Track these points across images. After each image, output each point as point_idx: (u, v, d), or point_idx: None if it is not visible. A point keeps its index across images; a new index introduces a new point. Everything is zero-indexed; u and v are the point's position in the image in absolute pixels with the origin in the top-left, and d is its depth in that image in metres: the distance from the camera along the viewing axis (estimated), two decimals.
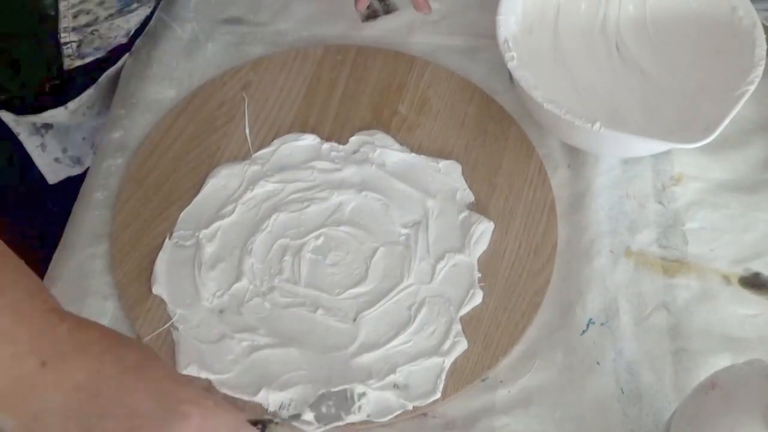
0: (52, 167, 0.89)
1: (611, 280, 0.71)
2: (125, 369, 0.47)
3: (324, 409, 0.63)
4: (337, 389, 0.64)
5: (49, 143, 0.87)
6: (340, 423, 0.63)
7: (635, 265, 0.72)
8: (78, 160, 0.91)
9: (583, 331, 0.69)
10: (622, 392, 0.66)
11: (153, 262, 0.71)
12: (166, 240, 0.72)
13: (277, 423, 0.61)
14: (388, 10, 0.90)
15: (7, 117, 0.83)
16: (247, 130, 0.79)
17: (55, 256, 0.74)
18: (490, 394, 0.66)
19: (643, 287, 0.71)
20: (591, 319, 0.69)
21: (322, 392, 0.64)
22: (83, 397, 0.46)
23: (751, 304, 0.71)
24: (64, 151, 0.89)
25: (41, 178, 0.89)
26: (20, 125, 0.84)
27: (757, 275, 0.72)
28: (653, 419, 0.65)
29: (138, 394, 0.46)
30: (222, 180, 0.76)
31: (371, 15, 0.90)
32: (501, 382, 0.67)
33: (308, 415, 0.63)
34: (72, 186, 0.83)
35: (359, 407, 0.63)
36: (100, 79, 0.85)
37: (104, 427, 0.45)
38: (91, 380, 0.46)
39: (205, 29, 0.88)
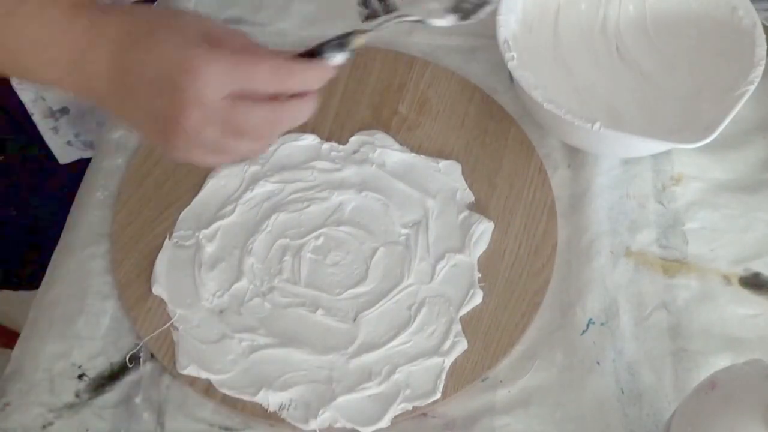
0: (64, 149, 0.90)
1: (611, 280, 0.71)
2: (137, 48, 0.52)
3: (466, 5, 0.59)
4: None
5: (62, 127, 0.87)
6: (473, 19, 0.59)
7: (635, 265, 0.72)
8: (91, 145, 0.91)
9: (583, 331, 0.69)
10: (622, 392, 0.66)
11: (153, 262, 0.71)
12: (166, 240, 0.72)
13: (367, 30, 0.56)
14: (388, 10, 0.90)
15: (26, 96, 0.83)
16: None
17: (54, 256, 0.74)
18: (490, 394, 0.66)
19: (643, 287, 0.71)
20: (591, 319, 0.69)
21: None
22: (122, 46, 0.53)
23: (751, 304, 0.71)
24: (77, 135, 0.90)
25: (52, 158, 0.90)
26: (36, 107, 0.84)
27: (757, 275, 0.72)
28: (653, 419, 0.65)
29: (144, 71, 0.52)
30: (222, 180, 0.76)
31: (371, 15, 0.90)
32: (501, 382, 0.67)
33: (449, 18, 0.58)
34: (81, 167, 0.83)
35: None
36: None
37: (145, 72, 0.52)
38: (141, 24, 0.53)
39: None
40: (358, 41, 0.55)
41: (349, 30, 0.56)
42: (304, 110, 0.55)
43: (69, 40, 0.53)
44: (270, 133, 0.55)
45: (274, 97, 0.53)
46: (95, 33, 0.53)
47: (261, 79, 0.52)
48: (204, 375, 0.66)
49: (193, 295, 0.70)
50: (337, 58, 0.55)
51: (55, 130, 0.87)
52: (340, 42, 0.55)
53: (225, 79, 0.51)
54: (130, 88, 0.53)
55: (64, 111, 0.86)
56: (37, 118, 0.85)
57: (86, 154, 0.91)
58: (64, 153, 0.90)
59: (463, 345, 0.67)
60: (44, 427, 0.65)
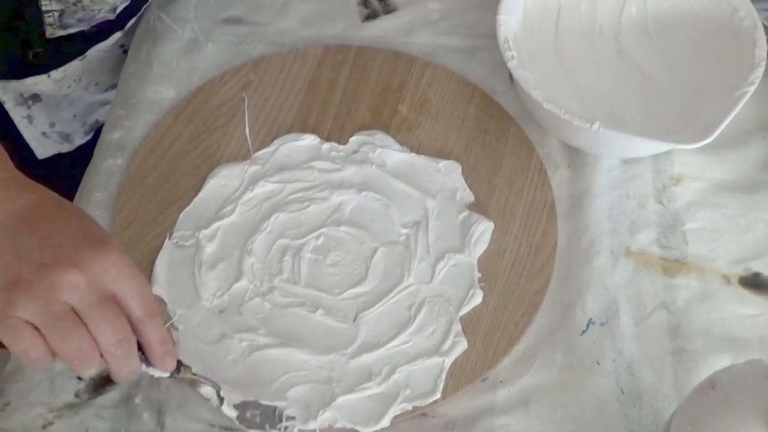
0: (40, 141, 0.89)
1: (611, 280, 0.71)
2: (62, 209, 0.53)
3: (248, 415, 0.64)
4: (265, 404, 0.64)
5: (36, 116, 0.87)
6: None
7: (635, 265, 0.72)
8: (67, 137, 0.91)
9: (583, 331, 0.69)
10: (622, 392, 0.66)
11: (153, 262, 0.71)
12: (166, 240, 0.72)
13: (195, 376, 0.60)
14: (388, 10, 0.90)
15: None
16: (247, 130, 0.79)
17: None
18: (490, 394, 0.66)
19: (643, 287, 0.71)
20: (591, 319, 0.69)
21: (250, 400, 0.64)
22: (16, 219, 0.52)
23: (751, 304, 0.71)
24: (52, 125, 0.89)
25: (31, 152, 0.89)
26: (7, 93, 0.84)
27: (757, 275, 0.72)
28: (653, 419, 0.65)
29: (66, 225, 0.52)
30: (222, 180, 0.76)
31: (371, 15, 0.90)
32: (501, 382, 0.67)
33: (230, 411, 0.63)
34: (62, 164, 0.83)
35: (285, 428, 0.63)
36: (88, 53, 0.85)
37: (28, 241, 0.50)
38: (29, 210, 0.52)
39: (205, 29, 0.88)
40: (187, 375, 0.59)
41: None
42: (133, 365, 0.54)
43: None
44: (105, 339, 0.51)
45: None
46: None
47: (141, 299, 0.52)
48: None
49: (193, 295, 0.70)
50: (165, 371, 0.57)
51: (29, 119, 0.87)
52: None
53: (124, 272, 0.51)
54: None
55: (35, 98, 0.86)
56: (9, 106, 0.85)
57: (63, 148, 0.90)
58: (40, 146, 0.89)
59: (463, 345, 0.67)
60: (44, 427, 0.65)
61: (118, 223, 0.74)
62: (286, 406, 0.64)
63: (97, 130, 0.92)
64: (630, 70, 0.83)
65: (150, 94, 0.83)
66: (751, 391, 0.53)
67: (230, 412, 0.64)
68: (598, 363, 0.67)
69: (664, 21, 0.82)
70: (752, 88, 0.71)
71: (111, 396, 0.66)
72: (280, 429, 0.64)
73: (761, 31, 0.75)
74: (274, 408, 0.64)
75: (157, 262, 0.71)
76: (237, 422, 0.63)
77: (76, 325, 0.50)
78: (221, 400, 0.63)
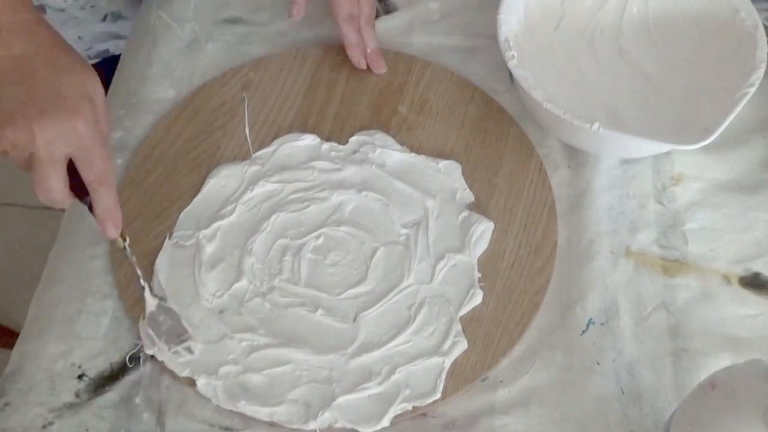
0: None
1: (611, 280, 0.71)
2: (50, 64, 0.61)
3: (161, 319, 0.67)
4: (182, 324, 0.67)
5: None
6: (154, 341, 0.66)
7: (635, 265, 0.72)
8: None
9: (583, 331, 0.69)
10: (622, 392, 0.66)
11: (153, 262, 0.71)
12: (166, 240, 0.72)
13: (125, 249, 0.66)
14: (388, 10, 0.90)
15: None
16: (247, 130, 0.79)
17: (53, 256, 0.74)
18: (490, 394, 0.66)
19: (643, 287, 0.71)
20: (591, 319, 0.69)
21: (173, 309, 0.67)
22: (8, 66, 0.60)
23: (751, 304, 0.71)
24: None
25: None
26: None
27: (757, 275, 0.72)
28: (653, 419, 0.65)
29: (44, 85, 0.60)
30: (222, 180, 0.76)
31: None
32: (501, 382, 0.67)
33: (151, 302, 0.67)
34: None
35: (176, 351, 0.65)
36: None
37: (10, 92, 0.60)
38: (22, 58, 0.60)
39: (205, 29, 0.88)
40: (120, 243, 0.66)
41: None
42: (62, 200, 0.62)
43: None
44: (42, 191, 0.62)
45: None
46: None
47: (95, 166, 0.62)
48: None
49: (193, 295, 0.70)
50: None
51: None
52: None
53: (86, 139, 0.61)
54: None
55: (41, 9, 0.86)
56: None
57: None
58: None
59: (462, 345, 0.67)
60: (44, 427, 0.65)
61: None
62: (194, 339, 0.66)
63: (103, 60, 0.97)
64: (631, 70, 0.83)
65: (150, 94, 0.83)
66: (751, 391, 0.53)
67: (151, 302, 0.67)
68: (598, 363, 0.67)
69: (666, 22, 0.82)
70: (752, 90, 0.71)
71: (111, 396, 0.66)
72: (170, 348, 0.66)
73: (762, 32, 0.75)
74: (184, 331, 0.66)
75: (157, 262, 0.71)
76: (147, 317, 0.67)
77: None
78: (142, 288, 0.67)
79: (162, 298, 0.67)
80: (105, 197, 0.63)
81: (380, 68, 0.83)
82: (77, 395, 0.66)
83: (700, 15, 0.80)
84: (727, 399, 0.54)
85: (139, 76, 0.85)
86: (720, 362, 0.66)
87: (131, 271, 0.68)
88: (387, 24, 0.89)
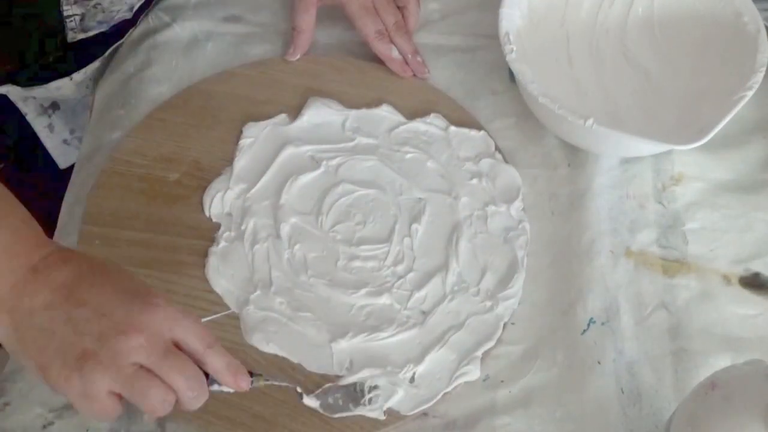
0: (61, 150, 0.90)
1: (611, 280, 0.71)
2: (101, 273, 0.55)
3: (330, 401, 0.63)
4: (345, 384, 0.64)
5: (56, 124, 0.88)
6: (349, 413, 0.63)
7: (635, 265, 0.72)
8: None
9: (584, 331, 0.69)
10: (622, 392, 0.66)
11: None
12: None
13: (268, 381, 0.60)
14: None
15: (15, 94, 0.83)
16: None
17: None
18: (491, 394, 0.66)
19: (643, 287, 0.71)
20: (592, 319, 0.69)
21: (329, 385, 0.64)
22: (64, 293, 0.54)
23: (751, 304, 0.71)
24: (72, 132, 0.90)
25: (51, 164, 0.90)
26: (27, 105, 0.84)
27: (757, 275, 0.72)
28: (653, 419, 0.65)
29: (110, 290, 0.54)
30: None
31: None
32: (502, 381, 0.67)
33: (312, 402, 0.63)
34: None
35: (370, 399, 0.63)
36: (107, 53, 0.86)
37: (83, 315, 0.53)
38: (71, 281, 0.54)
39: (205, 29, 0.88)
40: (261, 383, 0.59)
41: None
42: (204, 398, 0.56)
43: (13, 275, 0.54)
44: (181, 384, 0.54)
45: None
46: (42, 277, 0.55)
47: (198, 336, 0.55)
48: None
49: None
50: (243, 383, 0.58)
51: (50, 128, 0.87)
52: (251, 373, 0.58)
53: (176, 322, 0.54)
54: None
55: (54, 106, 0.86)
56: (31, 117, 0.85)
57: None
58: (61, 155, 0.90)
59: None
60: (44, 427, 0.65)
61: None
62: (366, 380, 0.64)
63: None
64: (632, 70, 0.83)
65: (149, 94, 0.83)
66: (751, 391, 0.53)
67: (312, 403, 0.63)
68: (599, 362, 0.67)
69: (669, 23, 0.82)
70: (750, 93, 0.72)
71: None
72: (365, 403, 0.63)
73: (764, 37, 0.75)
74: (354, 385, 0.64)
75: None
76: (321, 410, 0.63)
77: (151, 380, 0.52)
78: (300, 395, 0.63)
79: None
80: (222, 355, 0.56)
81: (423, 73, 0.84)
82: None
83: (704, 17, 0.80)
84: (727, 399, 0.54)
85: (139, 75, 0.85)
86: (720, 362, 0.66)
87: None
88: None
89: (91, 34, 0.81)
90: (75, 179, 0.79)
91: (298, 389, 0.63)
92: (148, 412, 0.53)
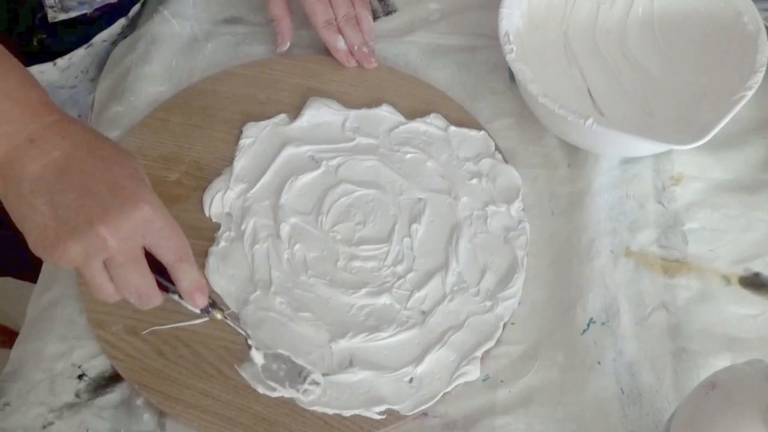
0: None
1: (611, 280, 0.71)
2: (95, 159, 0.56)
3: (274, 366, 0.64)
4: (296, 362, 0.65)
5: None
6: (277, 388, 0.64)
7: (635, 265, 0.72)
8: None
9: (584, 331, 0.69)
10: (622, 392, 0.66)
11: None
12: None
13: (225, 318, 0.62)
14: (388, 11, 0.90)
15: None
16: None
17: None
18: (491, 394, 0.66)
19: (643, 287, 0.71)
20: (592, 319, 0.69)
21: (283, 353, 0.65)
22: (54, 173, 0.55)
23: (751, 304, 0.71)
24: None
25: None
26: None
27: (757, 275, 0.72)
28: (653, 419, 0.65)
29: (98, 181, 0.55)
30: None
31: (371, 15, 0.90)
32: (502, 381, 0.67)
33: (258, 357, 0.64)
34: None
35: (305, 390, 0.64)
36: (94, 41, 0.85)
37: (63, 199, 0.54)
38: (64, 159, 0.55)
39: (204, 29, 0.88)
40: (217, 315, 0.61)
41: None
42: (156, 300, 0.59)
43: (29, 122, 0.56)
44: (129, 293, 0.58)
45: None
46: (57, 128, 0.56)
47: (173, 246, 0.57)
48: None
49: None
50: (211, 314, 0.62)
51: None
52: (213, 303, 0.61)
53: (156, 227, 0.56)
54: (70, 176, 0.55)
55: None
56: None
57: None
58: None
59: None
60: (44, 427, 0.65)
61: None
62: (314, 371, 0.65)
63: None
64: (632, 69, 0.83)
65: (149, 94, 0.83)
66: (751, 391, 0.53)
67: (258, 358, 0.64)
68: (599, 362, 0.67)
69: (669, 23, 0.82)
70: (750, 93, 0.71)
71: (111, 396, 0.66)
72: (299, 390, 0.64)
73: (764, 37, 0.75)
74: (302, 369, 0.65)
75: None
76: (260, 370, 0.64)
77: (106, 282, 0.56)
78: (249, 346, 0.64)
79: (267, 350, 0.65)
80: (188, 271, 0.58)
81: (370, 64, 0.84)
82: (77, 395, 0.66)
83: (704, 17, 0.80)
84: (727, 399, 0.54)
85: (138, 74, 0.84)
86: (720, 362, 0.66)
87: None
88: (387, 25, 0.89)
89: (72, 14, 0.80)
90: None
91: (249, 341, 0.64)
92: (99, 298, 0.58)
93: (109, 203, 0.54)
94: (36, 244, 0.55)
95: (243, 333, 0.64)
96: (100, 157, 0.56)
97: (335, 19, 0.83)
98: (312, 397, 0.64)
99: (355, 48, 0.83)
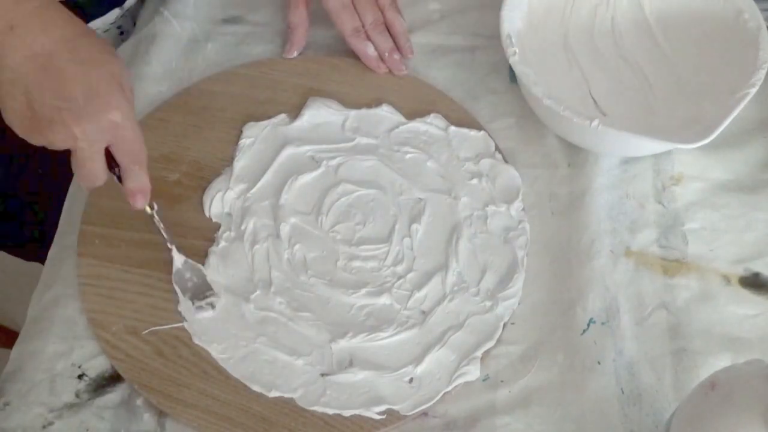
0: None
1: (611, 280, 0.71)
2: (74, 60, 0.59)
3: (187, 275, 0.69)
4: (206, 281, 0.69)
5: None
6: (179, 296, 0.68)
7: (635, 265, 0.72)
8: None
9: (584, 331, 0.69)
10: (622, 392, 0.66)
11: None
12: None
13: (153, 215, 0.68)
14: None
15: None
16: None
17: (52, 254, 0.74)
18: (491, 394, 0.66)
19: (643, 287, 0.71)
20: (592, 319, 0.69)
21: (200, 267, 0.70)
22: (32, 67, 0.58)
23: (751, 304, 0.71)
24: None
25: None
26: None
27: (757, 275, 0.72)
28: (653, 419, 0.65)
29: (73, 83, 0.58)
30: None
31: None
32: (502, 381, 0.67)
33: (178, 260, 0.70)
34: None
35: (198, 306, 0.68)
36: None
37: (40, 97, 0.58)
38: (43, 57, 0.58)
39: (204, 29, 0.88)
40: (148, 209, 0.68)
41: None
42: (97, 180, 0.64)
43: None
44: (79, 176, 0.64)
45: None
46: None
47: (132, 151, 0.63)
48: None
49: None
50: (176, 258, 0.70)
51: None
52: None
53: (123, 132, 0.62)
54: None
55: None
56: None
57: None
58: None
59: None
60: (44, 427, 0.65)
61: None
62: (219, 297, 0.69)
63: None
64: (633, 70, 0.83)
65: (149, 94, 0.83)
66: (751, 391, 0.53)
67: (178, 260, 0.69)
68: (599, 362, 0.67)
69: (669, 21, 0.82)
70: (753, 90, 0.71)
71: (111, 396, 0.66)
72: (194, 303, 0.68)
73: (765, 33, 0.75)
74: (209, 288, 0.68)
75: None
76: (173, 272, 0.69)
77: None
78: (170, 249, 0.69)
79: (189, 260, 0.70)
80: (138, 175, 0.64)
81: (400, 71, 0.84)
82: (77, 395, 0.66)
83: (704, 15, 0.80)
84: (727, 399, 0.54)
85: (138, 74, 0.84)
86: (720, 362, 0.66)
87: None
88: None
89: None
90: (76, 179, 0.79)
91: (169, 245, 0.69)
92: None
93: (82, 109, 0.59)
94: (13, 125, 0.60)
95: (164, 234, 0.68)
96: (79, 60, 0.59)
97: (363, 26, 0.83)
98: (203, 315, 0.67)
99: (386, 55, 0.83)
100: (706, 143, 0.69)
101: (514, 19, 0.78)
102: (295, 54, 0.85)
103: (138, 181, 0.65)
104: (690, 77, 0.80)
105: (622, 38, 0.84)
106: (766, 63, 0.73)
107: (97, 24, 0.86)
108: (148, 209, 0.68)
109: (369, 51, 0.83)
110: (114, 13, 0.86)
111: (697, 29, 0.80)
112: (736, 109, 0.70)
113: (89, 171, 0.63)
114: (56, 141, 0.60)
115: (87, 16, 0.85)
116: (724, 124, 0.70)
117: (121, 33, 0.89)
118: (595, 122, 0.70)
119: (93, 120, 0.59)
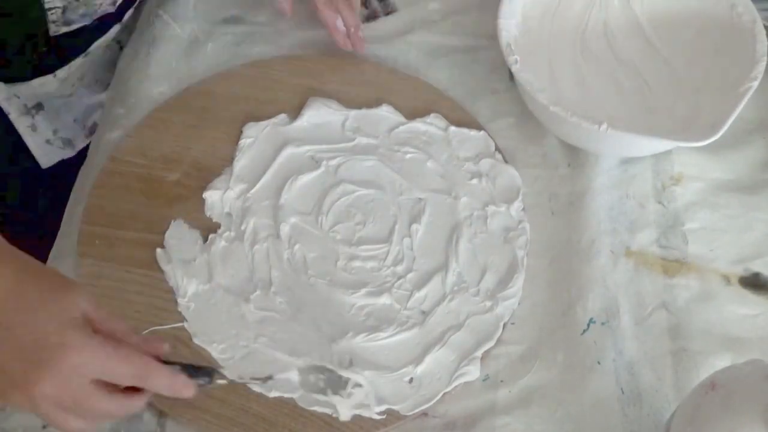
0: (44, 150, 0.89)
1: (611, 280, 0.71)
2: (22, 310, 0.53)
3: (311, 378, 0.62)
4: (332, 369, 0.63)
5: (39, 124, 0.87)
6: (321, 398, 0.62)
7: (635, 265, 0.72)
8: (69, 143, 0.91)
9: (584, 331, 0.69)
10: (622, 392, 0.66)
11: None
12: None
13: (230, 381, 0.58)
14: (388, 11, 0.90)
15: None
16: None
17: (53, 254, 0.74)
18: (491, 394, 0.66)
19: (643, 287, 0.71)
20: (592, 319, 0.69)
21: (317, 365, 0.63)
22: None
23: (751, 304, 0.71)
24: (55, 132, 0.89)
25: (34, 164, 0.89)
26: (11, 104, 0.84)
27: (757, 275, 0.72)
28: (653, 419, 0.65)
29: (24, 334, 0.52)
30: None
31: (371, 16, 0.90)
32: (502, 381, 0.67)
33: (294, 376, 0.62)
34: (65, 171, 0.83)
35: (349, 394, 0.63)
36: (91, 49, 0.85)
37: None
38: None
39: (205, 29, 0.88)
40: (219, 382, 0.57)
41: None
42: (137, 406, 0.56)
43: None
44: (103, 420, 0.58)
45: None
46: None
47: (123, 374, 0.53)
48: None
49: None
50: (200, 382, 0.57)
51: (33, 128, 0.87)
52: (208, 372, 0.57)
53: (93, 367, 0.52)
54: None
55: (39, 107, 0.86)
56: (14, 116, 0.85)
57: (66, 154, 0.90)
58: (44, 155, 0.89)
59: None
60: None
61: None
62: (353, 375, 0.63)
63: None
64: (628, 69, 0.83)
65: (149, 94, 0.83)
66: (751, 391, 0.53)
67: (293, 376, 0.61)
68: (598, 362, 0.67)
69: (662, 20, 0.82)
70: (755, 83, 0.71)
71: None
72: (343, 395, 0.62)
73: (761, 26, 0.74)
74: (340, 375, 0.63)
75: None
76: (299, 386, 0.61)
77: (68, 419, 0.54)
78: (267, 379, 0.61)
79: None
80: (156, 381, 0.55)
81: (362, 49, 0.84)
82: None
83: (697, 12, 0.80)
84: (727, 399, 0.54)
85: (139, 75, 0.85)
86: (720, 362, 0.66)
87: None
88: (387, 24, 0.89)
89: (73, 27, 0.80)
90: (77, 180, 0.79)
91: (269, 382, 0.61)
92: None
93: (36, 360, 0.52)
94: None
95: (262, 382, 0.62)
96: (28, 309, 0.53)
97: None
98: (356, 400, 0.63)
99: (352, 30, 0.84)
100: (705, 144, 0.69)
101: (510, 26, 0.78)
102: (289, 12, 0.86)
103: (163, 385, 0.55)
104: (687, 75, 0.80)
105: (616, 40, 0.84)
106: (765, 55, 0.73)
107: (101, 42, 0.86)
108: (219, 381, 0.58)
109: (339, 25, 0.83)
110: (114, 30, 0.87)
111: (691, 26, 0.80)
112: (741, 104, 0.70)
113: (99, 410, 0.54)
114: (28, 399, 0.52)
115: (94, 38, 0.85)
116: (729, 120, 0.69)
117: (121, 48, 0.89)
118: (604, 126, 0.70)
119: (52, 369, 0.52)
